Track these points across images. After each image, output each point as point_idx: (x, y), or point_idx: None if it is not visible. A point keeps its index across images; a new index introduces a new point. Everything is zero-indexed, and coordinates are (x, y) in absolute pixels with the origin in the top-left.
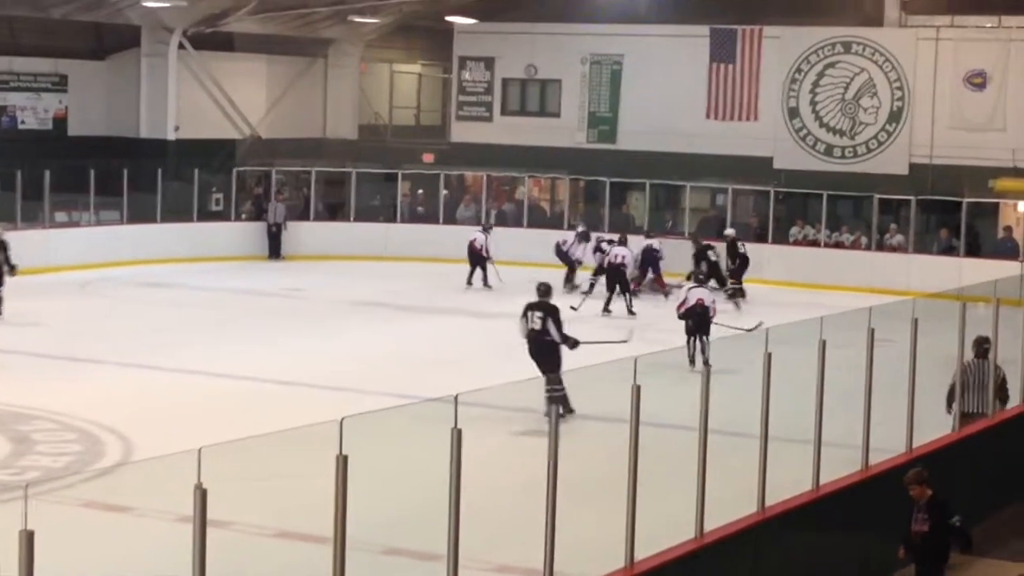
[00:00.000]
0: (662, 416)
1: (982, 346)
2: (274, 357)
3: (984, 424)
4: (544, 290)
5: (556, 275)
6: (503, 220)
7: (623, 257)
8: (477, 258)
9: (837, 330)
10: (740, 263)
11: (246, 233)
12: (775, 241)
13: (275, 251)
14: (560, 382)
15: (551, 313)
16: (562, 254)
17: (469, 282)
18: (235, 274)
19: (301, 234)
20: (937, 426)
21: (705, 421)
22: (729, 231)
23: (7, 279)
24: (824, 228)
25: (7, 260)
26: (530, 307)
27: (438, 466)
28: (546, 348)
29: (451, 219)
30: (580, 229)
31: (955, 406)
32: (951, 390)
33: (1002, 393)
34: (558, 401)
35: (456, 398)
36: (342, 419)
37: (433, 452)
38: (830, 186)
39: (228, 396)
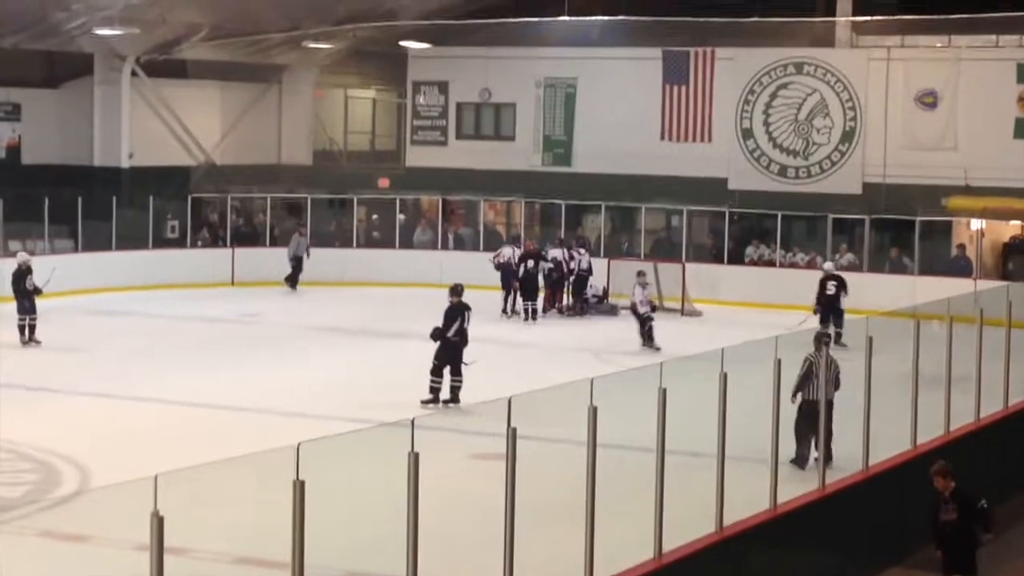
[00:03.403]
0: (619, 437)
1: (821, 340)
2: (231, 384)
3: (941, 441)
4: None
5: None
6: (460, 244)
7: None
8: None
9: (793, 349)
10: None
11: (202, 260)
12: (731, 261)
13: (293, 281)
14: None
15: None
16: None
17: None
18: (191, 301)
19: (258, 259)
20: (893, 443)
21: (662, 442)
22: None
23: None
24: (779, 248)
25: (33, 284)
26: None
27: (396, 490)
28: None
29: (407, 244)
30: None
31: (799, 395)
32: (799, 381)
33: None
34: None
35: (413, 422)
36: (299, 444)
37: (391, 476)
38: (785, 206)
39: (185, 423)
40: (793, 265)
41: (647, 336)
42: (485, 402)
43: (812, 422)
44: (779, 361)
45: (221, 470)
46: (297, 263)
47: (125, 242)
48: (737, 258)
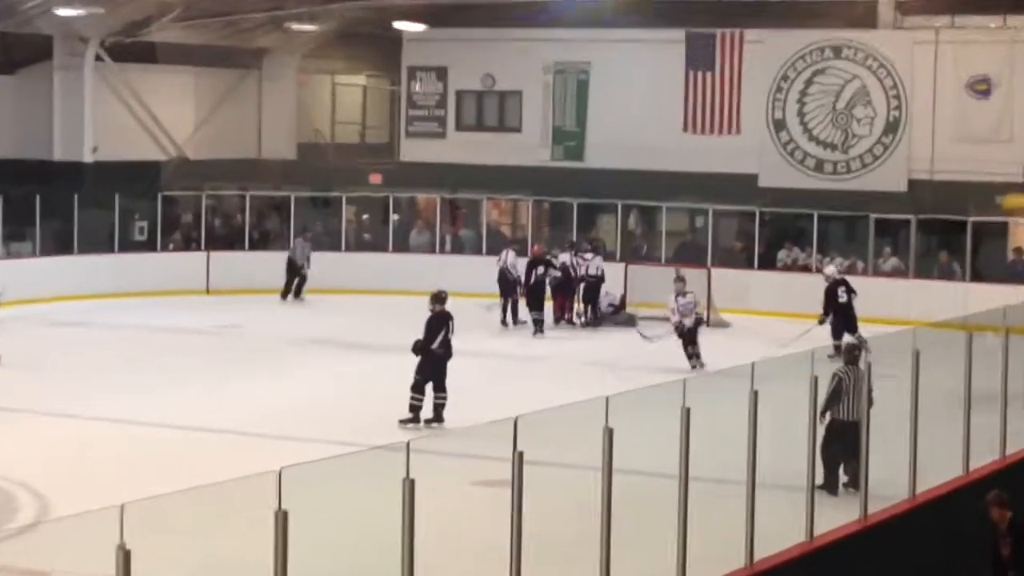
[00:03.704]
0: (637, 462)
1: (853, 353)
2: (205, 403)
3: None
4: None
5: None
6: (460, 247)
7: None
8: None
9: (830, 365)
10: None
11: (173, 265)
12: (762, 267)
13: (296, 290)
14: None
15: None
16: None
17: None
18: (162, 310)
19: (236, 264)
20: (942, 468)
21: (685, 467)
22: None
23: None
24: (815, 252)
25: None
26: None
27: (389, 521)
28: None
29: (402, 247)
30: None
31: (828, 414)
32: (828, 399)
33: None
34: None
35: (408, 445)
36: (281, 470)
37: (383, 506)
38: (821, 205)
39: (155, 446)
40: None
41: (693, 354)
42: (488, 423)
43: (844, 444)
44: (815, 379)
45: (194, 498)
46: (293, 271)
47: (88, 245)
48: (769, 263)
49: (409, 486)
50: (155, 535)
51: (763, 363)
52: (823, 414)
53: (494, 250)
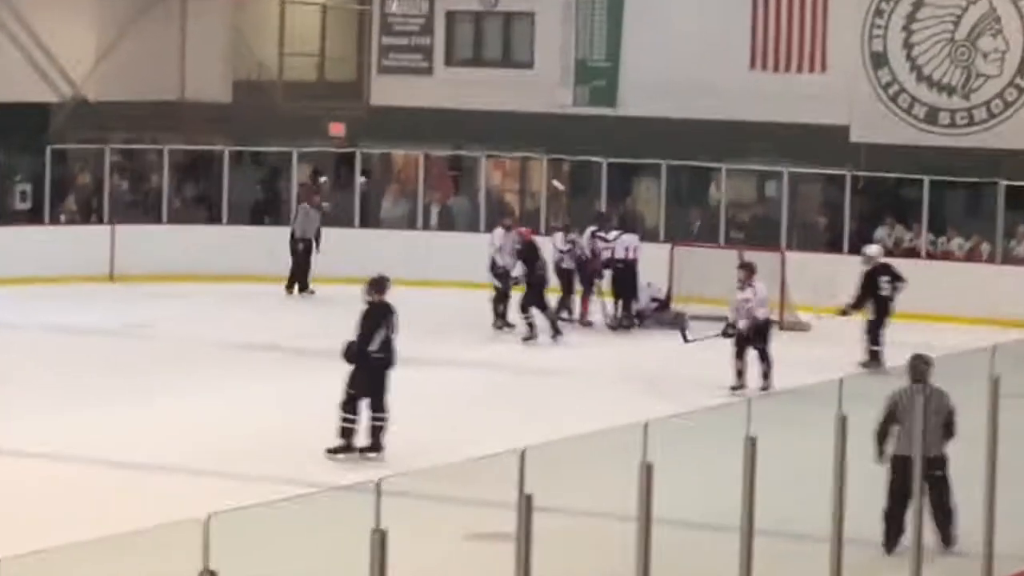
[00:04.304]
0: (684, 509)
1: (918, 368)
2: (109, 427)
3: None
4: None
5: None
6: (448, 221)
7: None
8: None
9: (943, 380)
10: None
11: (67, 242)
12: (853, 250)
13: (301, 280)
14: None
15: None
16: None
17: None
18: (50, 304)
19: (149, 243)
20: None
21: (749, 516)
22: None
23: None
24: (925, 231)
25: None
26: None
27: None
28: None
29: (371, 220)
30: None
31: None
32: (879, 428)
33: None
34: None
35: (378, 485)
36: (209, 517)
37: (343, 564)
38: (935, 168)
39: (43, 484)
40: (947, 256)
41: (741, 370)
42: (486, 456)
43: (905, 487)
44: (842, 418)
45: (95, 552)
46: (304, 250)
47: None
48: (863, 245)
49: (378, 539)
50: None
51: (854, 379)
52: (880, 451)
53: (495, 226)
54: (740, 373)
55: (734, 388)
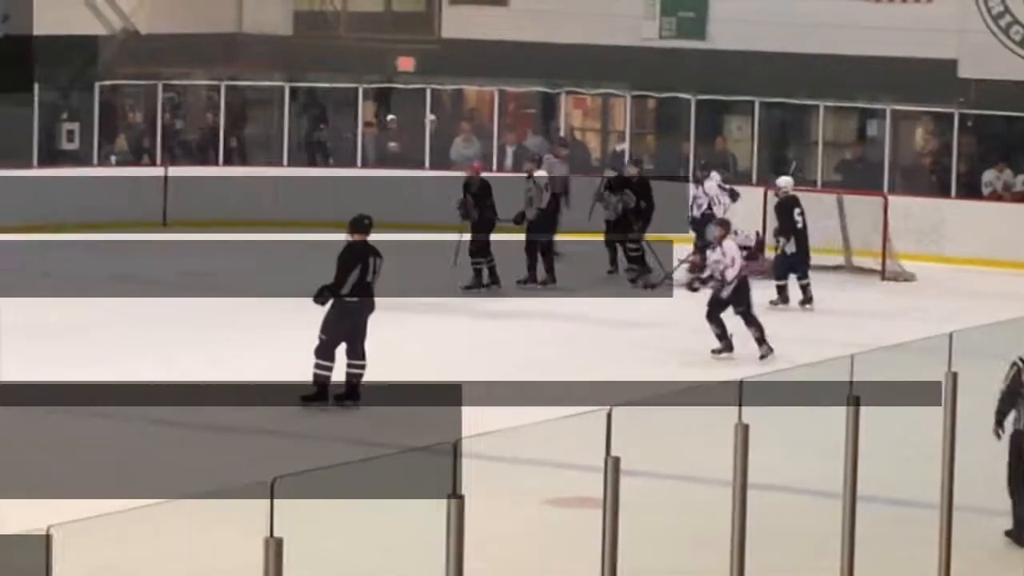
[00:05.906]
0: (780, 473)
1: None
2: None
3: None
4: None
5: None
6: (521, 163)
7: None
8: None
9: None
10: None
11: (117, 186)
12: (961, 194)
13: (535, 269)
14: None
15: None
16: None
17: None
18: (98, 252)
19: (205, 187)
20: None
21: (852, 481)
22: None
23: None
24: None
25: None
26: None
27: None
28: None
29: (442, 162)
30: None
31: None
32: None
33: None
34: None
35: (455, 447)
36: (274, 480)
37: (416, 530)
38: None
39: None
40: None
41: (720, 334)
42: (565, 416)
43: None
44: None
45: (159, 516)
46: (549, 217)
47: None
48: (972, 189)
49: (457, 506)
50: None
51: (963, 333)
52: (999, 424)
53: (575, 167)
54: (720, 336)
55: (715, 352)
